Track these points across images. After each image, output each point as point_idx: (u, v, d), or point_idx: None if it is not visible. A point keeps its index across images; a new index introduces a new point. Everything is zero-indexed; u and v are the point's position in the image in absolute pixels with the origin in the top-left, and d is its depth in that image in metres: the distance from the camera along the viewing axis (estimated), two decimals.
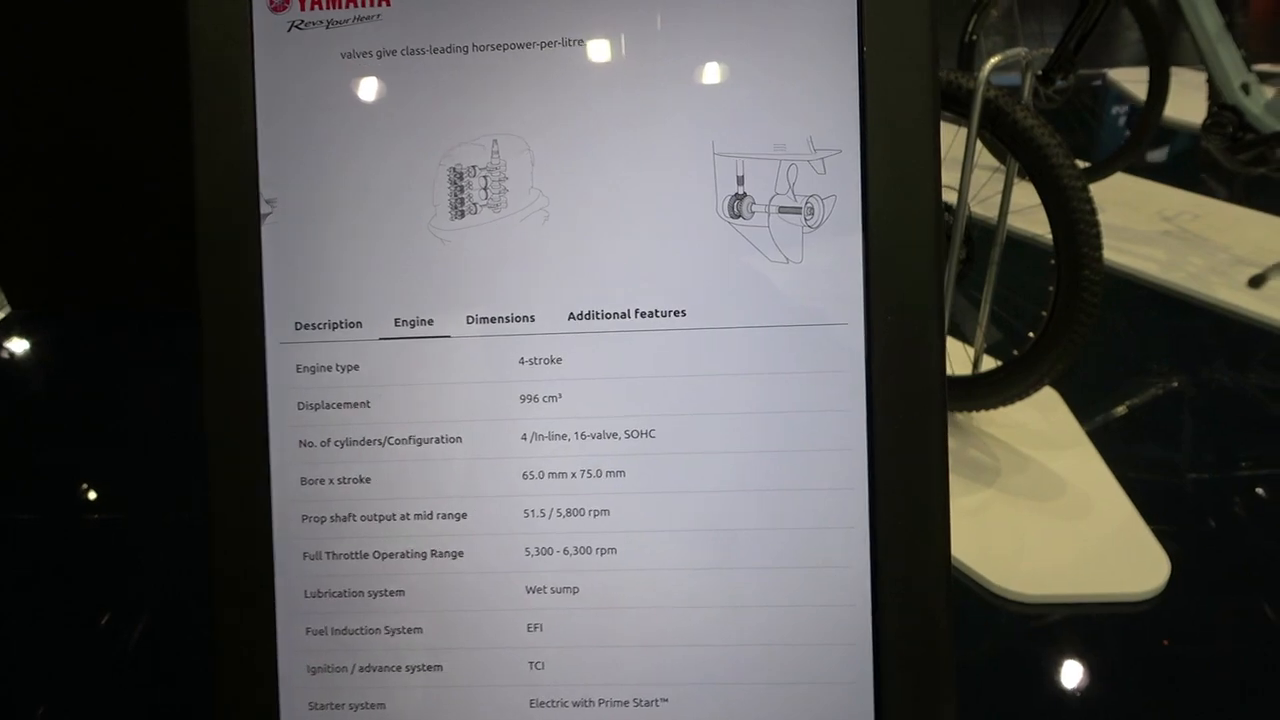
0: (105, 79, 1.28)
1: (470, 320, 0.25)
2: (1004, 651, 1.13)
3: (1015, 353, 1.36)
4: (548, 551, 0.25)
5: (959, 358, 1.36)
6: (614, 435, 0.25)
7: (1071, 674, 1.07)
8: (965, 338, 1.42)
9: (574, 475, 0.25)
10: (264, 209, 0.25)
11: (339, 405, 0.26)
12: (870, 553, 0.24)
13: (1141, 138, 1.79)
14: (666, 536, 0.25)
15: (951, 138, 1.43)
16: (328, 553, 0.26)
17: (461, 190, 0.25)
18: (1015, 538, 1.18)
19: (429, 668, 0.26)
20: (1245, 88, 1.49)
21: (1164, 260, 1.67)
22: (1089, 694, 1.05)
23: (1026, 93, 1.29)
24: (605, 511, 0.25)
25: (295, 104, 0.25)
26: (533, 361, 0.25)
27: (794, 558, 0.25)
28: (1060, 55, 1.68)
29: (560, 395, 0.25)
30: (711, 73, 0.25)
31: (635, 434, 0.25)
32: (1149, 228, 1.77)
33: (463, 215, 0.25)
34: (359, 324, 0.26)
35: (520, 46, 0.25)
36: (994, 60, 1.17)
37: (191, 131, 0.25)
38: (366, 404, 0.26)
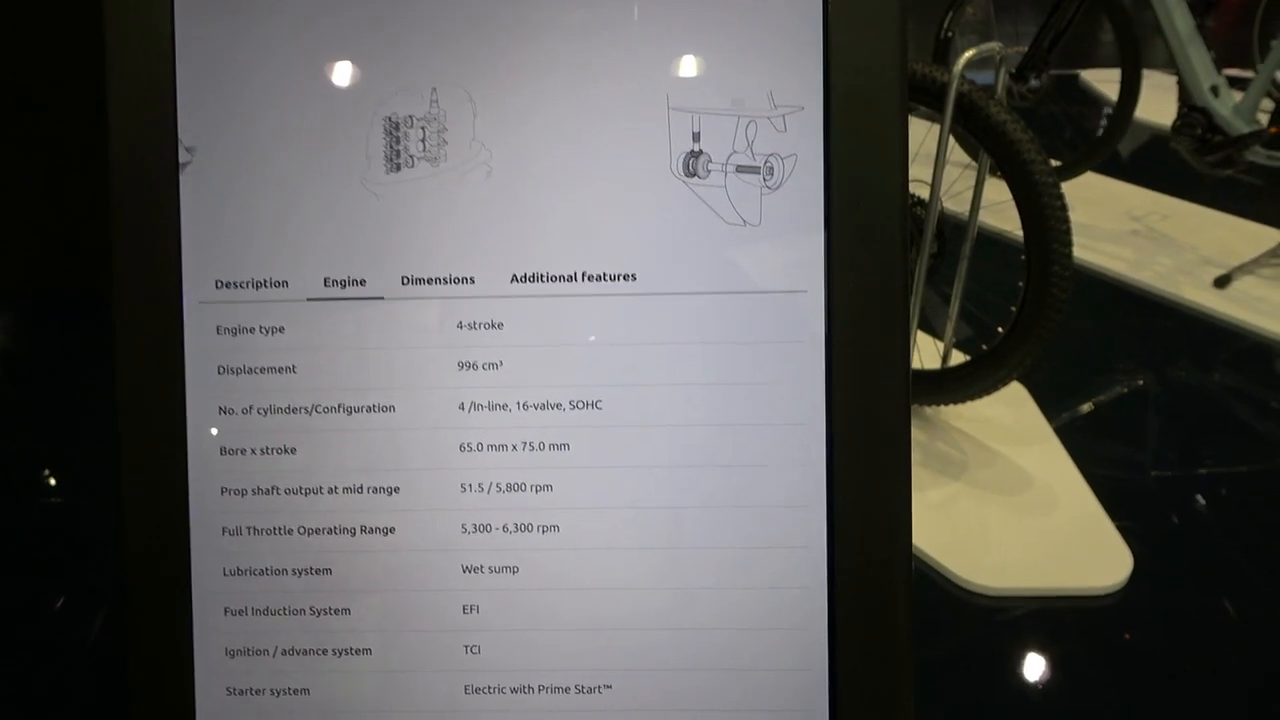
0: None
1: (405, 281, 0.24)
2: (968, 643, 1.13)
3: (984, 347, 1.36)
4: (486, 529, 0.24)
5: (929, 352, 1.36)
6: (558, 406, 0.24)
7: (1034, 666, 1.07)
8: (935, 332, 1.42)
9: (515, 448, 0.24)
10: (183, 157, 0.23)
11: (262, 370, 0.24)
12: (827, 533, 0.23)
13: (1112, 138, 1.80)
14: (613, 514, 0.24)
15: (924, 133, 1.42)
16: (249, 528, 0.24)
17: (398, 142, 0.23)
18: (981, 531, 1.18)
19: (357, 651, 0.24)
20: (1214, 90, 1.50)
21: (1131, 259, 1.68)
22: (1051, 685, 1.05)
23: (1000, 88, 1.29)
24: (548, 487, 0.24)
25: (218, 45, 0.23)
26: (472, 326, 0.24)
27: (747, 538, 0.23)
28: (1034, 54, 1.68)
29: (501, 362, 0.24)
30: (668, 22, 0.23)
31: (581, 405, 0.24)
32: (1117, 227, 1.78)
33: (399, 169, 0.24)
34: (285, 283, 0.24)
35: None
36: (969, 54, 1.17)
37: (104, 73, 0.23)
38: (292, 369, 0.24)
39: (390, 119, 0.23)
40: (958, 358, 1.34)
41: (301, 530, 0.24)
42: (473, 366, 0.24)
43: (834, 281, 0.23)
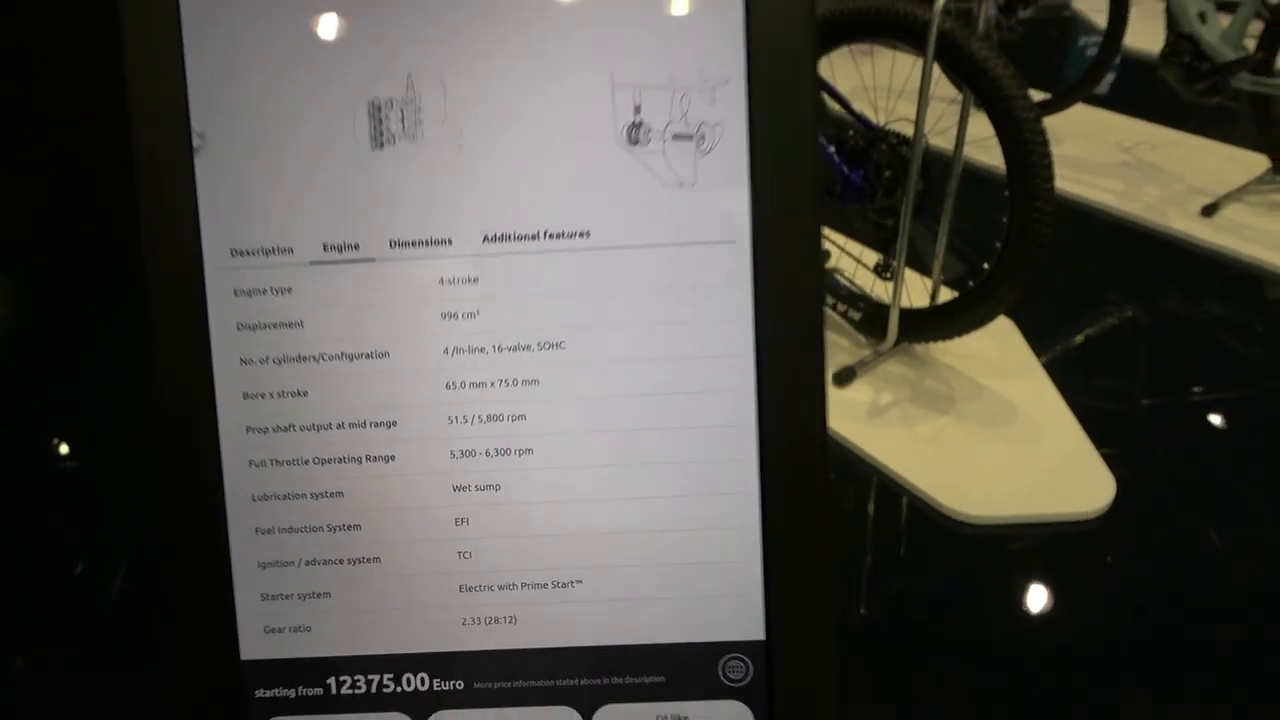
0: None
1: (393, 244, 0.28)
2: (956, 570, 1.18)
3: (971, 284, 1.38)
4: (471, 454, 0.28)
5: (917, 289, 1.39)
6: (528, 347, 0.28)
7: (1020, 590, 1.12)
8: (925, 268, 1.45)
9: (493, 384, 0.28)
10: (195, 143, 0.27)
11: (275, 325, 0.28)
12: (758, 448, 0.27)
13: (1102, 68, 1.80)
14: (579, 437, 0.28)
15: (910, 68, 1.43)
16: (271, 460, 0.28)
17: (380, 123, 0.27)
18: (968, 463, 1.23)
19: (368, 560, 0.29)
20: (1202, 16, 1.50)
21: (1120, 191, 1.70)
22: (1036, 607, 1.10)
23: (981, 24, 1.30)
24: (522, 416, 0.28)
25: (220, 38, 0.27)
26: (452, 282, 0.28)
27: (692, 453, 0.28)
28: None
29: (478, 312, 0.28)
30: (610, 5, 0.27)
31: (548, 345, 0.28)
32: (1107, 158, 1.79)
33: (382, 146, 0.27)
34: (290, 250, 0.28)
35: None
36: None
37: (123, 68, 0.27)
38: (300, 324, 0.28)
39: (373, 103, 0.27)
40: (946, 295, 1.37)
41: (316, 460, 0.28)
42: (454, 316, 0.28)
43: (759, 232, 0.27)
